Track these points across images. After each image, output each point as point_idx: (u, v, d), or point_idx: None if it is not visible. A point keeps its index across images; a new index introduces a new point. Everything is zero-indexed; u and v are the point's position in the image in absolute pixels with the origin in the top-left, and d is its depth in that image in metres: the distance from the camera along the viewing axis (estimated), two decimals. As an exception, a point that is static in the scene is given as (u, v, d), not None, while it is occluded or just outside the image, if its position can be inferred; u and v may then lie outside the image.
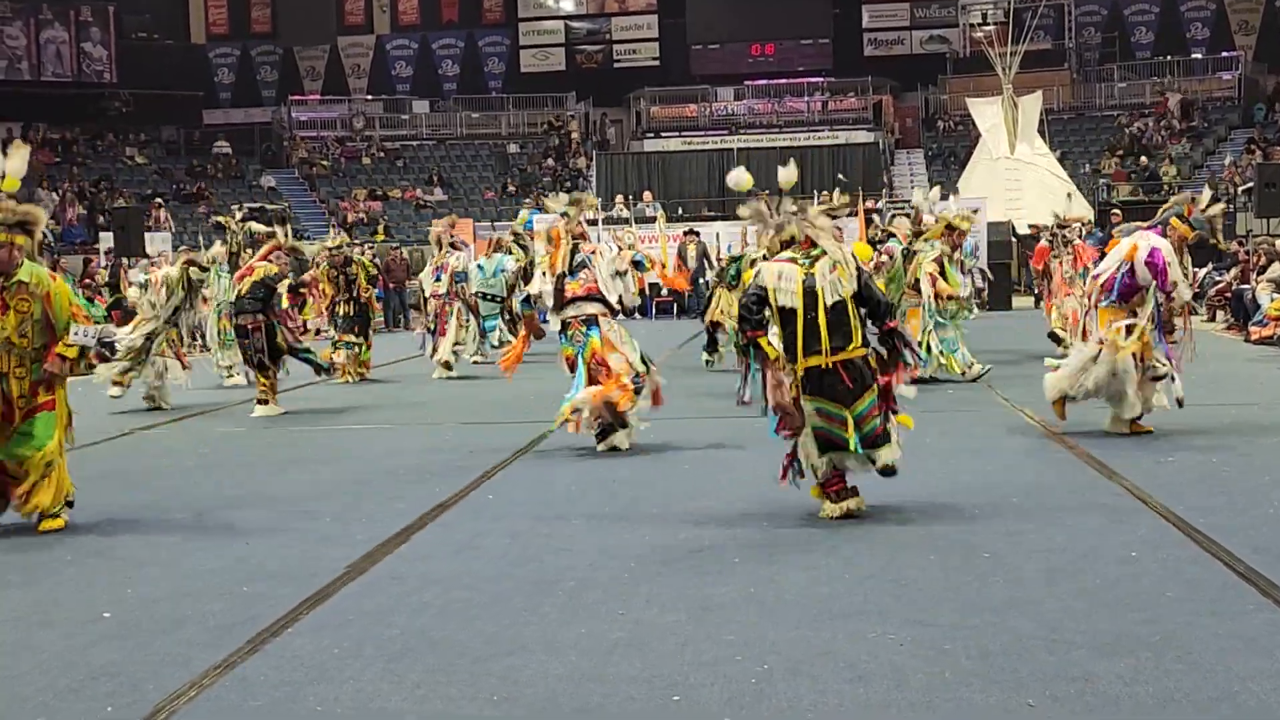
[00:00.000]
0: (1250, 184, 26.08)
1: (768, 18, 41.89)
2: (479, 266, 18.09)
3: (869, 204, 30.10)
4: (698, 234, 27.05)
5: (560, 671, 4.75)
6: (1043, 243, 16.64)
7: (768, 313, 7.06)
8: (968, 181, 30.92)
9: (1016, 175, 30.69)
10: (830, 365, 6.91)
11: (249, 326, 12.87)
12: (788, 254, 7.12)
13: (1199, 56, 40.18)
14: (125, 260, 24.38)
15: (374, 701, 4.54)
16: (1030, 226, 18.36)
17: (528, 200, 36.63)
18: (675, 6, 43.24)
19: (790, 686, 4.53)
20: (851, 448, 6.97)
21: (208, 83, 44.67)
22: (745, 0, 41.94)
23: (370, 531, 7.13)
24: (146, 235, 26.94)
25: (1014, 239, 27.70)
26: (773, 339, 7.09)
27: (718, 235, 27.49)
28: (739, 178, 8.04)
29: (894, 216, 24.04)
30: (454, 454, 9.90)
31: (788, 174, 7.58)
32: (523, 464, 9.42)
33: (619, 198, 31.96)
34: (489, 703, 4.50)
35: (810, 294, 6.90)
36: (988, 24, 37.98)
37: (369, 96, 44.13)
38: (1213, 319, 21.08)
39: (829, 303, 6.89)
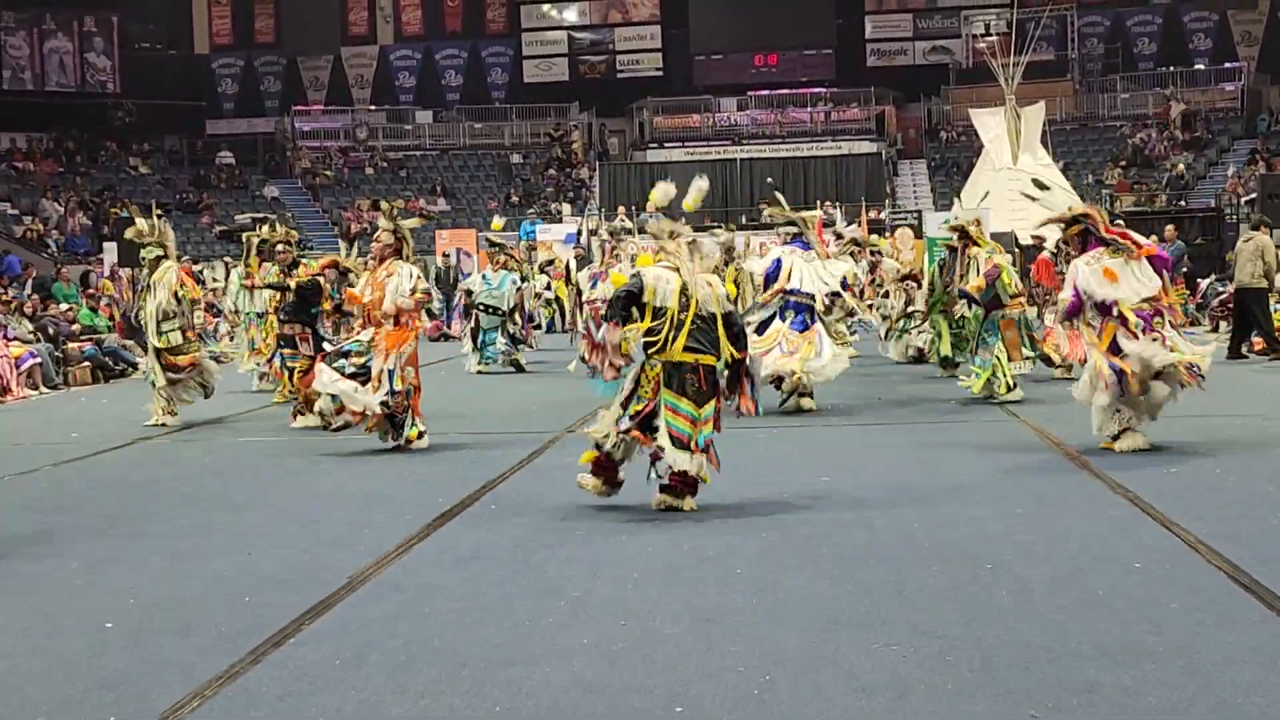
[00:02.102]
0: (1254, 195, 26.09)
1: (771, 28, 41.94)
2: (484, 278, 18.08)
3: (872, 214, 30.15)
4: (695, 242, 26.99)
5: (563, 681, 4.75)
6: (1045, 255, 16.44)
7: (634, 311, 7.68)
8: (971, 192, 30.92)
9: (1019, 186, 30.67)
10: (694, 363, 7.58)
11: (296, 336, 12.84)
12: (666, 263, 7.79)
13: (1201, 67, 40.20)
14: (131, 270, 24.38)
15: (378, 711, 4.54)
16: (1033, 237, 18.30)
17: (532, 210, 36.73)
18: (678, 17, 43.31)
19: (793, 697, 4.53)
20: (700, 445, 7.57)
21: (211, 93, 44.77)
22: (748, 10, 41.98)
23: (373, 540, 7.13)
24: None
25: (1016, 249, 27.67)
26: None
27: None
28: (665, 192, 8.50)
29: (897, 227, 24.03)
30: (457, 464, 9.91)
31: (662, 192, 8.41)
32: (525, 474, 9.41)
33: (621, 208, 31.99)
34: (492, 713, 4.50)
35: (685, 299, 7.60)
36: (990, 35, 38.05)
37: (372, 107, 44.21)
38: (1216, 330, 21.06)
39: (704, 312, 7.61)
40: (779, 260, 12.18)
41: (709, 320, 7.63)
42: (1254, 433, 10.24)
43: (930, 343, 16.07)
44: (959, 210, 16.20)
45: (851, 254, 19.08)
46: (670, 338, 7.55)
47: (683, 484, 7.67)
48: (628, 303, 7.66)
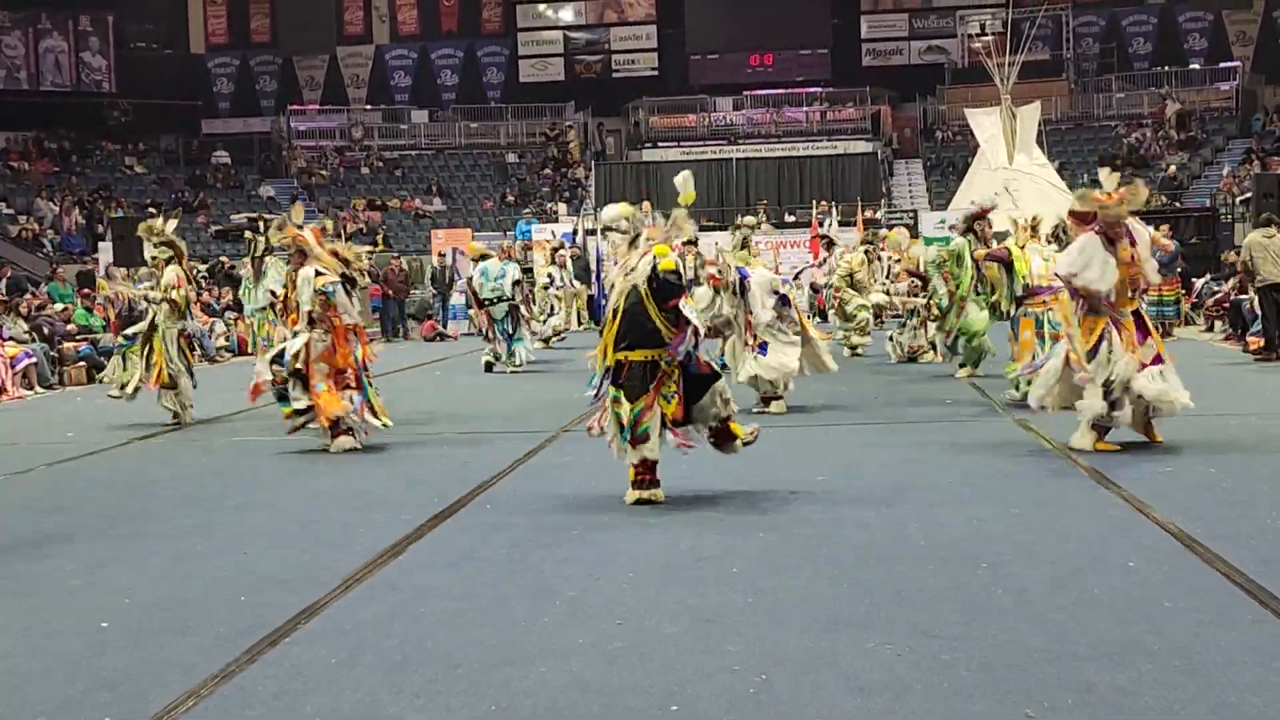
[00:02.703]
0: (1249, 194, 26.10)
1: (767, 27, 41.93)
2: (483, 271, 17.96)
3: (868, 214, 30.16)
4: (695, 243, 26.97)
5: (560, 681, 4.75)
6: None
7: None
8: (966, 192, 30.95)
9: (1015, 186, 30.67)
10: (626, 361, 7.86)
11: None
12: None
13: (1197, 67, 40.24)
14: (127, 269, 24.34)
15: (373, 711, 4.54)
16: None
17: (528, 210, 36.70)
18: (674, 16, 43.29)
19: (790, 697, 4.53)
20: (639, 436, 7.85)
21: (207, 92, 44.73)
22: (744, 10, 41.96)
23: (369, 541, 7.12)
24: (145, 245, 26.84)
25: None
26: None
27: (716, 245, 27.45)
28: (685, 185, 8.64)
29: (893, 227, 24.02)
30: (454, 464, 9.90)
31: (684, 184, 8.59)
32: (521, 474, 9.41)
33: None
34: (488, 713, 4.49)
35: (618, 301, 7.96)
36: (986, 34, 38.01)
37: (368, 106, 44.16)
38: (1210, 329, 21.10)
39: (627, 304, 7.85)
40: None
41: (635, 309, 7.82)
42: (1252, 432, 10.24)
43: (921, 334, 16.12)
44: (1016, 212, 15.82)
45: (866, 251, 19.05)
46: (613, 340, 7.91)
47: (644, 474, 7.95)
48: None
